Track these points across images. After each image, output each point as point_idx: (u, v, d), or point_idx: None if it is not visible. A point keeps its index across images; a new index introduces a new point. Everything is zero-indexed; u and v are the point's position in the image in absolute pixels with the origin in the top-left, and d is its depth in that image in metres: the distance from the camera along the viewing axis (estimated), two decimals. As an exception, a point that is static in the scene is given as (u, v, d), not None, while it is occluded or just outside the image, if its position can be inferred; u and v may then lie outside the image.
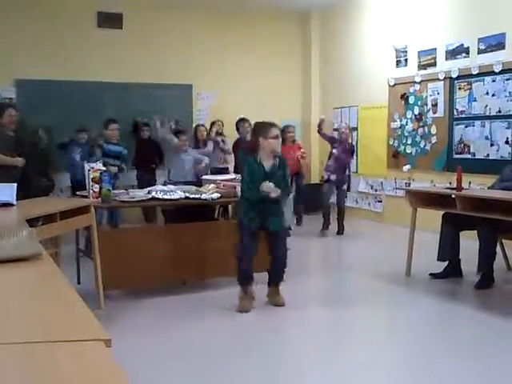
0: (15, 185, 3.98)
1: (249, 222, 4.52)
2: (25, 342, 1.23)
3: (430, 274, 5.55)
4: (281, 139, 4.59)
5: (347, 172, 8.41)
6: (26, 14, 9.02)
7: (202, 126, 8.88)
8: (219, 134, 8.87)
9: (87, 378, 1.05)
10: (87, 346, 1.21)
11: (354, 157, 8.95)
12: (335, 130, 9.18)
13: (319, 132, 8.63)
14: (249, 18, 10.40)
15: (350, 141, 8.51)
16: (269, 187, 4.40)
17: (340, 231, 8.17)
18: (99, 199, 4.89)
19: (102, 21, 9.54)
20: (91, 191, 4.94)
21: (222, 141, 8.76)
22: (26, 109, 8.86)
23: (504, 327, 4.22)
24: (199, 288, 5.26)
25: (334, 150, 8.22)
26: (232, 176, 6.06)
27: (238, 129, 8.75)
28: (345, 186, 8.41)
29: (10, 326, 1.35)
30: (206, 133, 8.61)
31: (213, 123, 8.98)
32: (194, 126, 9.24)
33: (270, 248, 4.64)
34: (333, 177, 8.17)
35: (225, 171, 8.11)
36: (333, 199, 8.32)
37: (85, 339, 1.25)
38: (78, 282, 5.30)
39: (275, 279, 4.73)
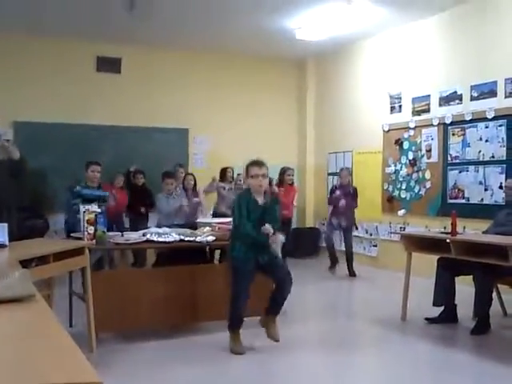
0: (6, 225, 3.96)
1: (245, 262, 4.50)
2: (15, 384, 1.21)
3: (426, 319, 5.51)
4: (262, 179, 4.53)
5: (353, 216, 8.47)
6: (26, 56, 9.15)
7: (190, 174, 8.29)
8: (230, 181, 8.91)
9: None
10: (79, 389, 1.19)
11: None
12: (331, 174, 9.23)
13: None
14: (246, 63, 10.57)
15: (350, 183, 8.60)
16: (268, 229, 4.42)
17: (351, 274, 8.28)
18: (94, 241, 4.88)
19: (100, 65, 9.68)
20: (86, 233, 4.93)
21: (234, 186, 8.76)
22: (23, 150, 8.91)
23: (501, 373, 4.17)
24: (191, 332, 5.20)
25: (340, 202, 8.31)
26: (227, 219, 6.05)
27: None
28: (353, 229, 8.52)
29: (0, 369, 1.33)
30: (193, 182, 8.03)
31: (224, 170, 9.04)
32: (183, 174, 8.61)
33: (271, 274, 4.60)
34: (342, 223, 8.30)
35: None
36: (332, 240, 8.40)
37: (77, 382, 1.24)
38: (70, 325, 5.23)
39: (276, 305, 4.64)
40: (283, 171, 8.56)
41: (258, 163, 4.60)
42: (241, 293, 4.50)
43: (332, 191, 8.69)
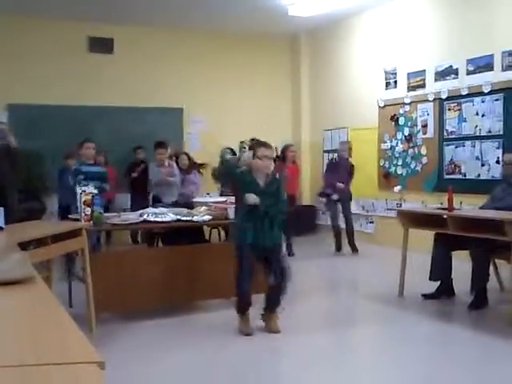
0: (2, 209, 3.96)
1: (248, 242, 4.43)
2: (18, 365, 1.21)
3: (423, 295, 5.54)
4: (269, 161, 4.48)
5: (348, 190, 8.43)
6: (18, 38, 9.07)
7: (184, 153, 8.18)
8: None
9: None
10: (81, 368, 1.20)
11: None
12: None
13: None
14: (239, 41, 10.50)
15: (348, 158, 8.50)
16: (251, 197, 4.36)
17: (354, 249, 8.28)
18: (91, 222, 4.87)
19: (93, 45, 9.60)
20: (83, 214, 4.92)
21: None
22: (18, 133, 8.86)
23: (498, 347, 4.21)
24: (190, 311, 5.23)
25: (338, 184, 8.24)
26: (223, 198, 6.06)
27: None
28: (350, 202, 8.48)
29: (2, 349, 1.34)
30: (187, 161, 7.88)
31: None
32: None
33: (267, 265, 4.53)
34: (334, 196, 8.23)
35: None
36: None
37: (78, 362, 1.24)
38: (70, 306, 5.25)
39: (273, 304, 4.60)
40: (285, 147, 8.50)
41: (266, 145, 4.54)
42: (244, 275, 4.45)
43: (332, 163, 8.59)
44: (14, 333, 1.48)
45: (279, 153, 8.45)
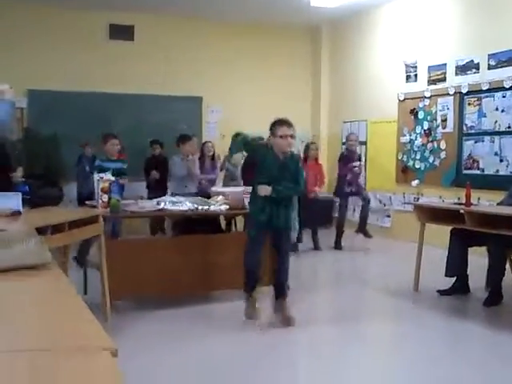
0: (20, 194, 4.01)
1: (258, 214, 4.48)
2: (31, 349, 1.23)
3: (438, 291, 5.51)
4: (291, 140, 4.42)
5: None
6: (39, 25, 9.13)
7: (210, 142, 8.45)
8: None
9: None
10: (94, 354, 1.21)
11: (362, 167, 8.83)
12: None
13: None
14: (259, 32, 10.45)
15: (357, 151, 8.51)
16: (262, 189, 4.35)
17: (367, 235, 8.23)
18: (108, 209, 4.91)
19: (113, 33, 9.63)
20: (100, 201, 4.96)
21: None
22: (38, 119, 8.97)
23: (512, 344, 4.19)
24: (205, 300, 5.25)
25: (354, 165, 8.21)
26: (241, 188, 6.05)
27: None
28: (365, 193, 8.48)
29: (16, 333, 1.36)
30: (213, 150, 8.20)
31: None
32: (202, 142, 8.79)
33: (275, 245, 4.58)
34: (353, 189, 8.23)
35: None
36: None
37: (91, 348, 1.25)
38: (85, 293, 5.30)
39: (279, 288, 4.60)
40: (307, 146, 8.47)
41: (287, 122, 4.43)
42: (253, 247, 4.48)
43: (342, 158, 8.53)
44: (28, 318, 1.50)
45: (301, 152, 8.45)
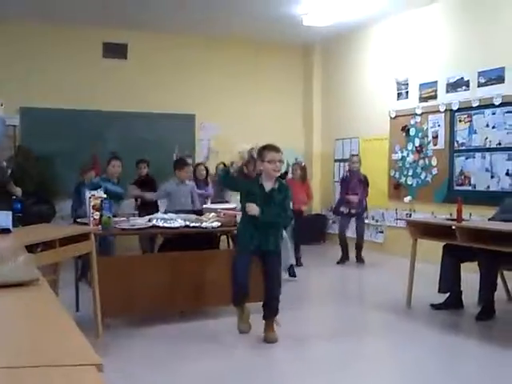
0: (10, 212, 4.01)
1: (247, 238, 4.51)
2: (16, 366, 1.22)
3: (431, 305, 5.52)
4: (279, 164, 4.46)
5: (364, 204, 8.34)
6: (32, 43, 9.17)
7: (202, 164, 8.49)
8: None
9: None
10: (78, 370, 1.20)
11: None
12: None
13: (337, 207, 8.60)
14: (252, 49, 10.54)
15: (361, 171, 8.40)
16: (253, 208, 4.38)
17: (360, 260, 8.23)
18: (99, 226, 4.90)
19: (107, 51, 9.68)
20: (92, 218, 4.95)
21: None
22: (30, 136, 8.97)
23: (506, 358, 4.18)
24: (197, 317, 5.23)
25: (351, 197, 8.19)
26: (233, 205, 6.06)
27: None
28: (364, 215, 8.44)
29: (1, 350, 1.35)
30: (205, 172, 8.23)
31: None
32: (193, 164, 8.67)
33: (265, 269, 4.54)
34: (353, 210, 8.21)
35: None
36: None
37: (77, 364, 1.25)
38: (77, 310, 5.27)
39: (270, 310, 4.57)
40: (293, 165, 8.55)
41: (275, 148, 4.50)
42: (241, 264, 4.49)
43: (344, 179, 8.56)
44: (13, 334, 1.49)
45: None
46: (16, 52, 9.05)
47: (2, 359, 1.27)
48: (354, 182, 8.24)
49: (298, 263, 7.91)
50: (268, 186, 4.47)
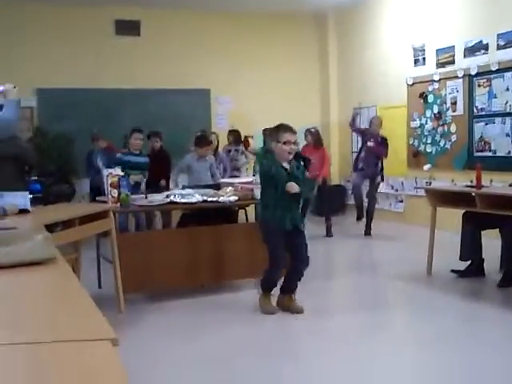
0: (27, 193, 4.06)
1: (277, 223, 4.37)
2: (32, 342, 1.24)
3: (452, 271, 5.49)
4: (294, 147, 4.31)
5: (379, 165, 8.19)
6: (46, 23, 9.16)
7: (214, 133, 8.48)
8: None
9: (88, 376, 1.06)
10: (92, 345, 1.22)
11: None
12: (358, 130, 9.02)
13: (352, 126, 8.60)
14: (265, 21, 10.41)
15: (381, 133, 8.24)
16: (294, 186, 4.26)
17: (368, 232, 8.08)
18: (118, 204, 4.93)
19: (120, 28, 9.64)
20: (110, 196, 4.98)
21: (236, 150, 8.57)
22: (47, 117, 9.03)
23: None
24: (217, 290, 5.27)
25: (369, 143, 8.08)
26: (250, 179, 6.06)
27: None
28: (378, 179, 8.25)
29: (19, 326, 1.37)
30: (217, 141, 8.21)
31: (230, 132, 8.77)
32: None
33: (292, 246, 4.46)
34: (367, 170, 8.11)
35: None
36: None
37: (92, 339, 1.26)
38: (99, 287, 5.34)
39: (293, 285, 4.54)
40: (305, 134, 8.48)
41: (291, 129, 4.31)
42: (280, 257, 4.40)
43: (361, 133, 8.49)
44: (31, 311, 1.52)
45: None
46: (29, 33, 9.05)
47: (19, 335, 1.29)
48: (371, 141, 8.12)
49: (329, 233, 8.10)
50: (286, 165, 4.38)
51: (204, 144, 7.11)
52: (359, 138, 8.78)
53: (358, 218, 8.26)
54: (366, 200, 8.29)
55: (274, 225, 4.39)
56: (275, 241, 4.41)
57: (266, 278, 4.54)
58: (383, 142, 8.15)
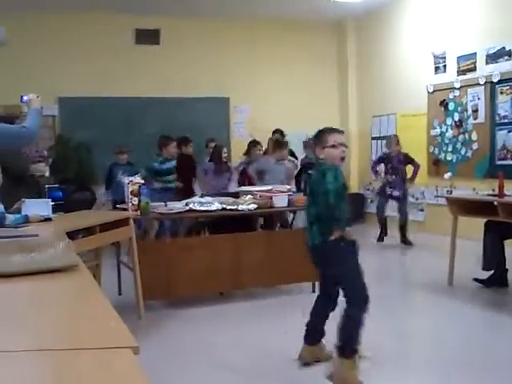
0: (49, 200, 4.09)
1: (354, 245, 3.47)
2: (53, 349, 1.24)
3: (474, 279, 5.42)
4: (345, 149, 3.50)
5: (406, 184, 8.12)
6: (67, 33, 9.27)
7: (223, 147, 8.04)
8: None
9: (109, 384, 1.06)
10: (113, 353, 1.22)
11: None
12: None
13: (373, 168, 8.41)
14: (284, 29, 10.44)
15: (401, 151, 8.15)
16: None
17: (407, 242, 7.98)
18: (138, 212, 4.96)
19: (139, 37, 9.72)
20: (130, 204, 5.01)
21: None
22: (69, 125, 9.13)
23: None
24: (236, 298, 5.27)
25: (394, 165, 8.01)
26: (269, 187, 6.05)
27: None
28: (407, 197, 8.24)
29: (40, 333, 1.38)
30: (226, 155, 7.88)
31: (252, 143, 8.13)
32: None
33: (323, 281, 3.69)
34: (395, 193, 8.03)
35: None
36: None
37: (113, 347, 1.26)
38: (120, 293, 5.36)
39: (339, 342, 3.32)
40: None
41: (337, 129, 3.60)
42: (367, 292, 3.41)
43: (379, 160, 8.41)
44: (52, 318, 1.52)
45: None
46: (52, 43, 9.18)
47: (36, 342, 1.29)
48: (394, 163, 8.05)
49: None
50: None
51: (284, 147, 7.30)
52: (379, 148, 8.71)
53: (380, 239, 8.19)
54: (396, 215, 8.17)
55: (347, 247, 3.43)
56: (354, 269, 3.46)
57: (350, 327, 3.34)
58: (406, 159, 8.07)
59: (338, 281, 3.46)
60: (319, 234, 3.40)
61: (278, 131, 8.71)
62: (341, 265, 3.38)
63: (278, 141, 7.61)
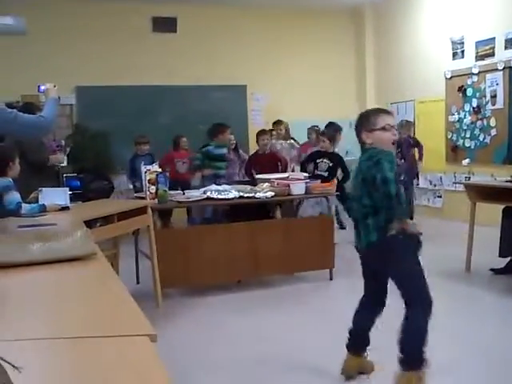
0: (67, 189, 4.13)
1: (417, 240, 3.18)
2: (72, 337, 1.27)
3: (492, 270, 5.40)
4: (396, 131, 3.12)
5: (414, 170, 8.12)
6: (84, 22, 9.29)
7: (231, 134, 7.96)
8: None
9: (127, 372, 1.08)
10: (131, 341, 1.24)
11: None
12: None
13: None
14: (301, 16, 10.36)
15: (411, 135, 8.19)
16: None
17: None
18: (156, 200, 5.00)
19: (156, 25, 9.72)
20: (148, 192, 5.05)
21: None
22: (86, 114, 9.18)
23: None
24: (254, 286, 5.29)
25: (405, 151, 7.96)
26: (285, 174, 6.05)
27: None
28: (414, 185, 8.23)
29: (59, 321, 1.41)
30: (235, 141, 7.99)
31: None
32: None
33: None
34: (402, 177, 7.98)
35: None
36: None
37: (130, 334, 1.29)
38: (138, 282, 5.42)
39: (401, 356, 3.00)
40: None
41: (385, 110, 3.24)
42: (430, 294, 3.10)
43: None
44: (70, 307, 1.55)
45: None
46: (67, 32, 9.18)
47: (59, 330, 1.32)
48: (404, 148, 8.00)
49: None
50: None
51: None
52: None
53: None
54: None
55: (408, 241, 3.15)
56: (416, 265, 3.18)
57: (415, 335, 3.03)
58: (414, 143, 8.13)
59: (398, 281, 3.13)
60: (375, 230, 3.04)
61: (279, 122, 8.68)
62: (402, 262, 3.08)
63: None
